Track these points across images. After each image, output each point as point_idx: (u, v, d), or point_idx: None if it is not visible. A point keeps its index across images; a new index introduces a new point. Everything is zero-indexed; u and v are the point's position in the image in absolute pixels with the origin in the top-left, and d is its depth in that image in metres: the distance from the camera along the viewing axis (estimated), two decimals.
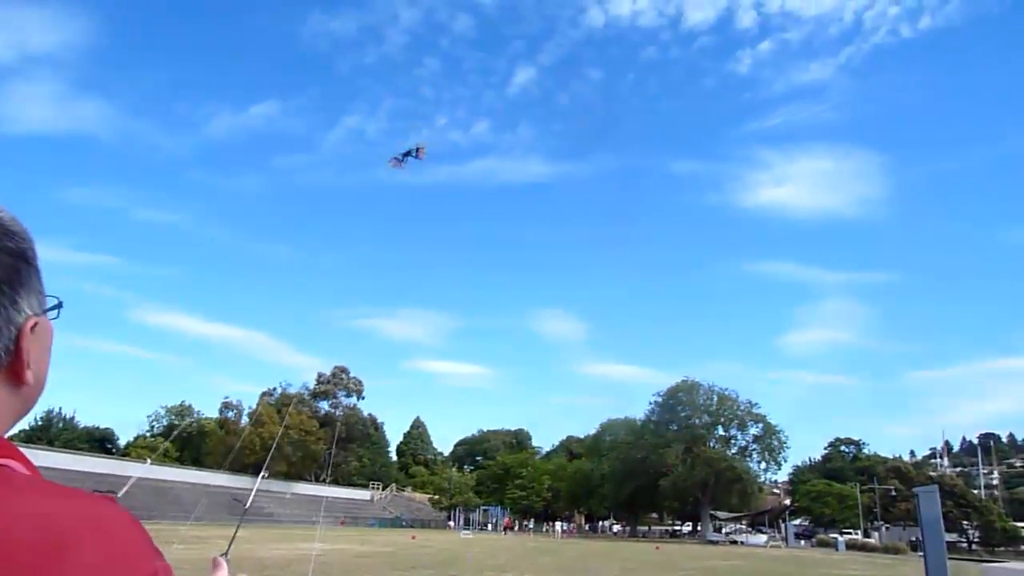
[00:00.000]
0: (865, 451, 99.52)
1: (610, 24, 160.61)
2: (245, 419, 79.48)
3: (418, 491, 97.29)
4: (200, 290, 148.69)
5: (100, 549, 0.61)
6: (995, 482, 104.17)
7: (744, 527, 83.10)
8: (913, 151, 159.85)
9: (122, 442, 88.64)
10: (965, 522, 68.20)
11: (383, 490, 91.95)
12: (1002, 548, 64.50)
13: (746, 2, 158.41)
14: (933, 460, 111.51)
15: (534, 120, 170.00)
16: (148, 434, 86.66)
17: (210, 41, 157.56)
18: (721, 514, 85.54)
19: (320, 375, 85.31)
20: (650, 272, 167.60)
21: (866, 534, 70.32)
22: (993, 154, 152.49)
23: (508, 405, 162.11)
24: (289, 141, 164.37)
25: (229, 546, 2.03)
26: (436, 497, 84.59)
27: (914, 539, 52.70)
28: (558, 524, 74.63)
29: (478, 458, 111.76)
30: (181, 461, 74.47)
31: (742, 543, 65.29)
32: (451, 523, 77.95)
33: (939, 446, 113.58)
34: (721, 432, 75.54)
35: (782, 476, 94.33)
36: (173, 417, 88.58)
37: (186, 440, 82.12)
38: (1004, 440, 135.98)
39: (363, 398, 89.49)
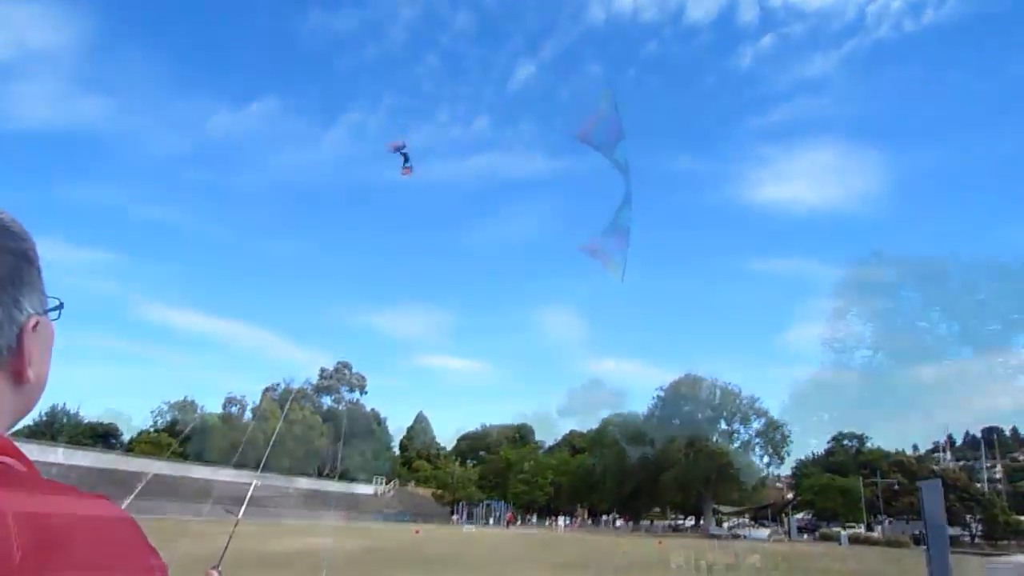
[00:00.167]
0: (868, 445, 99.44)
1: (611, 20, 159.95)
2: (248, 414, 79.70)
3: (421, 486, 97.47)
4: (202, 286, 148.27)
5: (94, 547, 0.61)
6: (998, 476, 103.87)
7: (747, 521, 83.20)
8: (915, 148, 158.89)
9: (126, 437, 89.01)
10: (968, 516, 68.02)
11: (386, 485, 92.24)
12: (1005, 542, 64.36)
13: None
14: (936, 454, 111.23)
15: (535, 116, 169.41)
16: (152, 429, 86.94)
17: (210, 38, 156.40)
18: (724, 508, 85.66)
19: (323, 370, 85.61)
20: (650, 269, 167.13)
21: (869, 528, 70.33)
22: (993, 154, 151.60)
23: (509, 400, 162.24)
24: (289, 138, 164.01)
25: (221, 558, 1.99)
26: (439, 492, 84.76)
27: (917, 533, 52.66)
28: (561, 519, 74.79)
29: (481, 452, 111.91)
30: (184, 456, 74.68)
31: (745, 537, 65.36)
32: (454, 517, 78.21)
33: (942, 440, 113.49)
34: (724, 426, 75.64)
35: (785, 470, 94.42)
36: (176, 412, 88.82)
37: (189, 435, 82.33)
38: (1007, 434, 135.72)
39: (366, 393, 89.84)
